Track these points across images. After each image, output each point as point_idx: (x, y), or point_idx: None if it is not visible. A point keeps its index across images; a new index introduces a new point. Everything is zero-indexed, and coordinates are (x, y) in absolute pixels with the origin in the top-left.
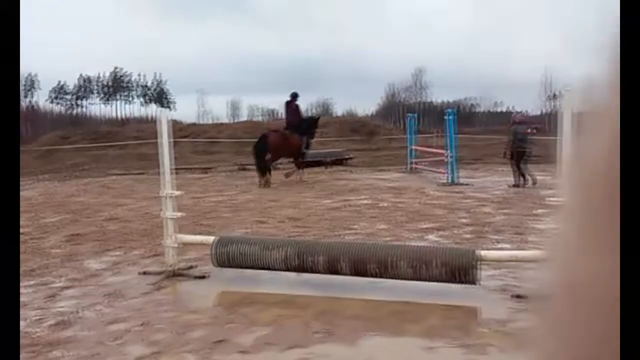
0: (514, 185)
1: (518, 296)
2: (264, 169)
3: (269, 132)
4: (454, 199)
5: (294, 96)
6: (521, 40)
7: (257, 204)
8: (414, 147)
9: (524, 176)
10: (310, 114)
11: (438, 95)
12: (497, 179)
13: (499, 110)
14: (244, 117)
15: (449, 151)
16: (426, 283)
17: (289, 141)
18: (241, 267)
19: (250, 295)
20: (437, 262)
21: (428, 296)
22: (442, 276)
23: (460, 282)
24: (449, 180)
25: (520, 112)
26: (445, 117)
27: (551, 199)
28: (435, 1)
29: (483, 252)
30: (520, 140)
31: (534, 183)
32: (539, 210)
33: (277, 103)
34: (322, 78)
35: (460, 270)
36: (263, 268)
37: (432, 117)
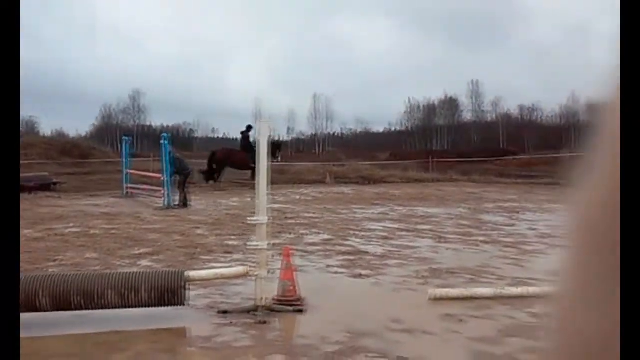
0: (180, 205)
1: (224, 312)
2: (209, 177)
3: (217, 149)
4: (170, 222)
5: (249, 128)
6: (235, 70)
7: None
8: (129, 171)
9: (185, 196)
10: None
11: (157, 119)
12: (212, 202)
13: (216, 136)
14: None
15: (165, 175)
16: (136, 309)
17: (235, 156)
18: None
19: None
20: (146, 287)
21: (138, 322)
22: (151, 300)
23: (170, 304)
24: (165, 204)
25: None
26: (161, 142)
27: (251, 219)
28: (151, 24)
29: (191, 273)
30: (181, 167)
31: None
32: (246, 230)
33: None
34: (23, 93)
35: (169, 293)
36: None
37: (151, 141)
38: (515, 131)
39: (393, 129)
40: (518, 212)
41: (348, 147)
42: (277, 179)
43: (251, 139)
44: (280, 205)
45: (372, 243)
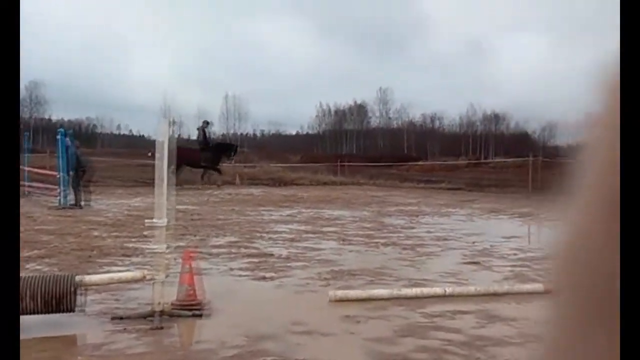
0: (76, 204)
1: (118, 318)
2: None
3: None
4: (65, 223)
5: (206, 123)
6: (142, 66)
7: None
8: (23, 167)
9: (80, 195)
10: None
11: (58, 113)
12: (114, 202)
13: (121, 133)
14: None
15: (61, 173)
16: (25, 316)
17: (191, 154)
18: None
19: None
20: (31, 293)
21: (26, 330)
22: (37, 307)
23: (59, 311)
24: (61, 204)
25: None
26: (57, 137)
27: (149, 221)
28: (51, 12)
29: (85, 278)
30: (78, 164)
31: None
32: (147, 232)
33: None
34: None
35: (58, 299)
36: None
37: (50, 136)
38: (418, 138)
39: (305, 132)
40: (417, 216)
41: (260, 148)
42: (190, 179)
43: (207, 135)
44: (187, 207)
45: (277, 245)
